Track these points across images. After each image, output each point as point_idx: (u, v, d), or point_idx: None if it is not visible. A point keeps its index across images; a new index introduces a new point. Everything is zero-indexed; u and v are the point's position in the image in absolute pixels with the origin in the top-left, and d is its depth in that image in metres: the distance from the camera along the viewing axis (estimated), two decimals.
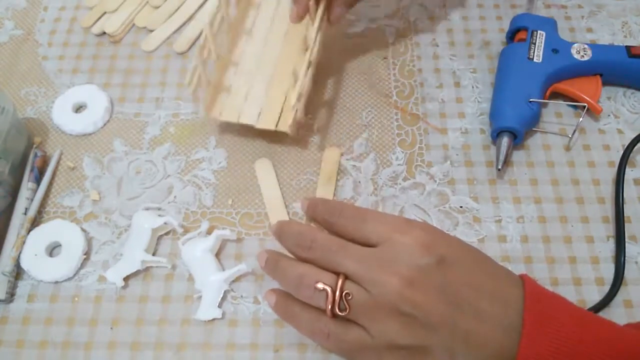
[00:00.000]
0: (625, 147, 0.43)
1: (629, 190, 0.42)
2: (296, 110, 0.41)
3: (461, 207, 0.42)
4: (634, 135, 0.44)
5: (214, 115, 0.43)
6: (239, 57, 0.46)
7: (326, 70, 0.48)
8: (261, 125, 0.43)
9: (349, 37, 0.51)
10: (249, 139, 0.46)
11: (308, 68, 0.42)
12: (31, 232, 0.41)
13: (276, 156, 0.45)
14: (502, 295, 0.30)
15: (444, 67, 0.49)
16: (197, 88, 0.41)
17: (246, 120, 0.43)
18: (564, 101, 0.46)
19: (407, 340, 0.29)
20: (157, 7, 0.53)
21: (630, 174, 0.43)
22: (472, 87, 0.48)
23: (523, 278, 0.31)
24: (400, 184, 0.43)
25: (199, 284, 0.39)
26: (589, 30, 0.50)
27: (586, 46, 0.45)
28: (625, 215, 0.40)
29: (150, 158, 0.45)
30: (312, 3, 0.43)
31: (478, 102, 0.47)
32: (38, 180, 0.44)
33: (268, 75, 0.45)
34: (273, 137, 0.45)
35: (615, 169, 0.43)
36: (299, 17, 0.44)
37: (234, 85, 0.44)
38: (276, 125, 0.43)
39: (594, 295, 0.39)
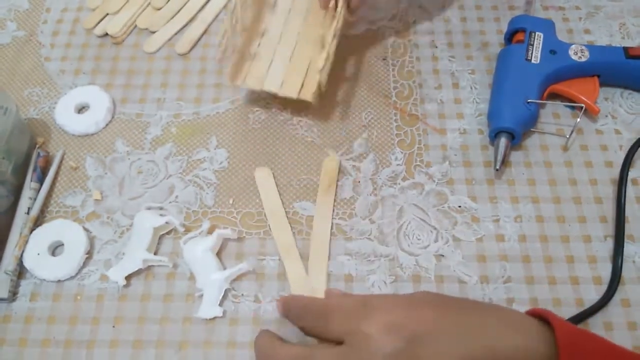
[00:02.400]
0: (630, 147, 0.43)
1: (627, 190, 0.42)
2: (319, 77, 0.42)
3: (459, 206, 0.43)
4: (631, 136, 0.45)
5: (238, 83, 0.43)
6: (262, 28, 0.46)
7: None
8: (284, 92, 0.43)
9: (348, 39, 0.51)
10: (250, 139, 0.46)
11: (334, 37, 0.43)
12: (34, 232, 0.42)
13: (277, 157, 0.45)
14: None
15: (442, 68, 0.49)
16: (224, 56, 0.41)
17: (270, 87, 0.44)
18: (562, 102, 0.46)
19: None
20: (159, 9, 0.53)
21: (628, 174, 0.43)
22: (471, 88, 0.48)
23: (552, 324, 0.27)
24: (399, 183, 0.44)
25: (200, 283, 0.39)
26: (587, 31, 0.51)
27: (584, 47, 0.46)
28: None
29: (152, 158, 0.46)
30: None
31: (476, 102, 0.47)
32: (41, 180, 0.44)
33: (291, 46, 0.46)
34: (294, 106, 0.46)
35: (613, 169, 0.43)
36: (326, 3, 0.45)
37: (258, 55, 0.44)
38: (298, 94, 0.43)
39: (591, 295, 0.39)
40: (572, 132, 0.43)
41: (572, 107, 0.47)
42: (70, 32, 0.53)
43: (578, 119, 0.44)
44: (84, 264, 0.41)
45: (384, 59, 0.50)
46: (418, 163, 0.44)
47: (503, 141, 0.43)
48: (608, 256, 0.40)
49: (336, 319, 0.30)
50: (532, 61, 0.45)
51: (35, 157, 0.45)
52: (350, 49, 0.50)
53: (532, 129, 0.45)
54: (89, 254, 0.41)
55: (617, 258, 0.39)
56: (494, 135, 0.44)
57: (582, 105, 0.45)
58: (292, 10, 0.48)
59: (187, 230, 0.42)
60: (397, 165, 0.44)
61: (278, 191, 0.43)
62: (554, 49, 0.46)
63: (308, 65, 0.45)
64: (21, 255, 0.41)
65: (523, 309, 0.31)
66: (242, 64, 0.43)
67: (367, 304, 0.29)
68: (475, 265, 0.40)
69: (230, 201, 0.43)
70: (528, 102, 0.43)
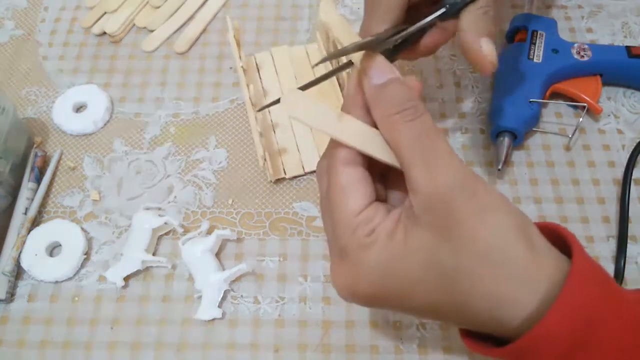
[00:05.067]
0: (634, 147, 0.43)
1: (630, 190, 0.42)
2: None
3: None
4: (633, 135, 0.44)
5: (280, 177, 0.43)
6: (270, 117, 0.46)
7: None
8: None
9: None
10: (250, 139, 0.46)
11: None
12: (31, 232, 0.41)
13: None
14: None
15: (444, 67, 0.49)
16: (265, 161, 0.42)
17: (312, 167, 0.43)
18: (564, 101, 0.46)
19: None
20: (157, 7, 0.53)
21: (632, 174, 0.43)
22: (472, 87, 0.48)
23: (572, 260, 0.24)
24: None
25: (199, 284, 0.39)
26: (589, 30, 0.50)
27: (586, 46, 0.45)
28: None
29: (151, 158, 0.45)
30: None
31: (478, 102, 0.47)
32: (38, 180, 0.44)
33: None
34: None
35: (615, 169, 0.43)
36: None
37: (282, 144, 0.45)
38: None
39: None
40: (574, 131, 0.43)
41: (575, 107, 0.46)
42: (68, 31, 0.53)
43: (580, 119, 0.43)
44: (82, 265, 0.41)
45: None
46: None
47: (505, 141, 0.42)
48: (610, 257, 0.40)
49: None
50: (534, 60, 0.45)
51: (32, 157, 0.44)
52: None
53: (534, 129, 0.45)
54: (87, 254, 0.41)
55: (620, 259, 0.39)
56: (496, 135, 0.43)
57: (585, 104, 0.44)
58: (282, 85, 0.48)
59: (186, 230, 0.42)
60: None
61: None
62: (556, 47, 0.45)
63: None
64: (19, 256, 0.40)
65: None
66: (276, 160, 0.44)
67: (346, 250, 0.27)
68: None
69: (230, 201, 0.43)
70: (530, 102, 0.43)
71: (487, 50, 0.33)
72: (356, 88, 0.27)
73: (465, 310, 0.25)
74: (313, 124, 0.26)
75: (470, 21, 0.33)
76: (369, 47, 0.28)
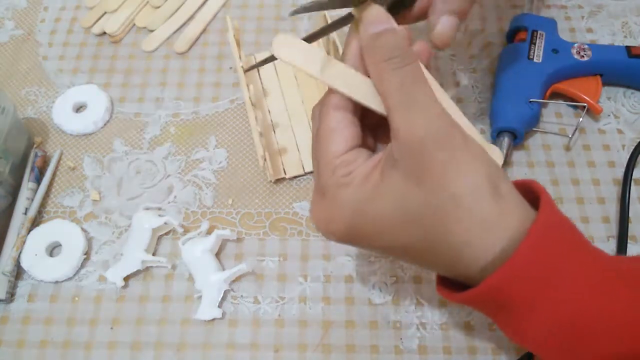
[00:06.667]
0: (635, 147, 0.43)
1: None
2: None
3: None
4: (633, 135, 0.44)
5: (280, 177, 0.43)
6: (270, 120, 0.46)
7: None
8: None
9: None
10: (250, 138, 0.46)
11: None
12: (31, 232, 0.41)
13: None
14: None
15: (444, 67, 0.49)
16: (265, 161, 0.42)
17: (310, 167, 0.43)
18: (564, 101, 0.46)
19: None
20: (157, 7, 0.53)
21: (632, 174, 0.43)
22: (472, 87, 0.48)
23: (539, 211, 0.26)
24: None
25: (199, 284, 0.39)
26: (589, 30, 0.50)
27: (586, 46, 0.45)
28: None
29: (151, 158, 0.45)
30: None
31: (478, 102, 0.47)
32: (38, 180, 0.44)
33: (304, 120, 0.46)
34: None
35: (615, 169, 0.43)
36: None
37: (282, 144, 0.45)
38: None
39: None
40: (574, 131, 0.43)
41: (575, 107, 0.46)
42: (68, 31, 0.53)
43: (580, 119, 0.43)
44: (82, 265, 0.41)
45: None
46: None
47: (505, 141, 0.42)
48: None
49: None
50: (535, 60, 0.45)
51: (32, 157, 0.44)
52: None
53: (534, 129, 0.45)
54: (87, 254, 0.41)
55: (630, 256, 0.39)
56: (496, 135, 0.43)
57: (585, 104, 0.44)
58: (282, 85, 0.48)
59: (186, 230, 0.42)
60: None
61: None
62: (556, 47, 0.45)
63: None
64: (19, 256, 0.40)
65: None
66: (276, 160, 0.44)
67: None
68: None
69: (230, 201, 0.43)
70: (530, 102, 0.43)
71: (440, 29, 0.33)
72: (353, 38, 0.29)
73: (433, 252, 0.27)
74: (303, 67, 0.27)
75: None
76: None
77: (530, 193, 0.28)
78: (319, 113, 0.29)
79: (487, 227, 0.25)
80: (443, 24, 0.32)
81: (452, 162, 0.25)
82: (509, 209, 0.26)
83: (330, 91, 0.28)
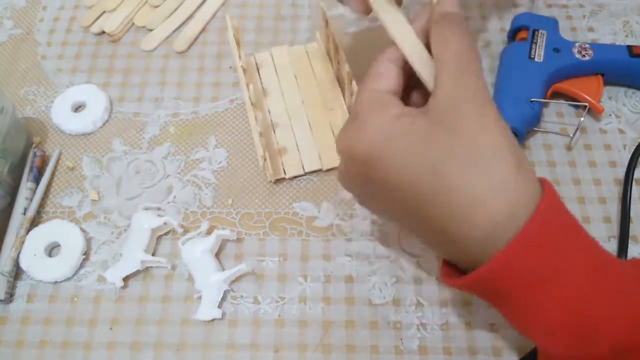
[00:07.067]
0: (636, 147, 0.43)
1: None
2: None
3: None
4: (635, 135, 0.44)
5: (280, 177, 0.43)
6: (270, 120, 0.46)
7: None
8: (327, 165, 0.43)
9: (349, 36, 0.50)
10: (250, 138, 0.46)
11: (351, 96, 0.42)
12: (30, 232, 0.41)
13: None
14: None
15: None
16: (265, 160, 0.42)
17: (312, 167, 0.43)
18: (565, 101, 0.46)
19: None
20: (156, 7, 0.53)
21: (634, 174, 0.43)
22: None
23: (542, 198, 0.28)
24: None
25: (198, 284, 0.39)
26: (591, 29, 0.50)
27: (587, 45, 0.45)
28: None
29: (150, 158, 0.45)
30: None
31: None
32: (37, 180, 0.43)
33: (304, 120, 0.45)
34: None
35: (617, 168, 0.43)
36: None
37: (282, 143, 0.45)
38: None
39: None
40: (575, 131, 0.43)
41: (576, 106, 0.46)
42: (67, 30, 0.52)
43: (582, 118, 0.43)
44: (81, 265, 0.40)
45: None
46: None
47: None
48: None
49: None
50: (536, 59, 0.44)
51: (31, 156, 0.44)
52: (351, 46, 0.50)
53: (535, 128, 0.44)
54: (86, 255, 0.41)
55: (621, 259, 0.39)
56: None
57: (586, 104, 0.44)
58: (282, 85, 0.47)
59: (186, 230, 0.42)
60: None
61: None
62: (557, 47, 0.45)
63: (330, 128, 0.45)
64: (17, 256, 0.40)
65: None
66: (276, 160, 0.44)
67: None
68: None
69: (230, 201, 0.43)
70: (531, 101, 0.43)
71: None
72: (424, 14, 0.32)
73: (442, 204, 0.27)
74: (385, 19, 0.33)
75: None
76: None
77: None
78: (375, 63, 0.32)
79: (501, 191, 0.27)
80: None
81: (484, 120, 0.28)
82: (524, 182, 0.27)
83: (391, 46, 0.32)
